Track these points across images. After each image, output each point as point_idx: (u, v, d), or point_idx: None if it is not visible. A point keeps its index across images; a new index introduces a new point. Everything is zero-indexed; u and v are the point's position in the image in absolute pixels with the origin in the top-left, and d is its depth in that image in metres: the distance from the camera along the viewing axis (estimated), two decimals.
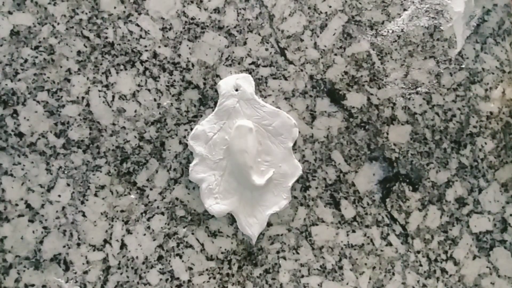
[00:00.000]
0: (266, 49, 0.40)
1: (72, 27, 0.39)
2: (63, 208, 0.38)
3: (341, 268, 0.40)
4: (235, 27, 0.40)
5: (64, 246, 0.38)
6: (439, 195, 0.41)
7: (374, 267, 0.40)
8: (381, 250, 0.40)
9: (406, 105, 0.41)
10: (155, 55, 0.39)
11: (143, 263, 0.38)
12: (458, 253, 0.41)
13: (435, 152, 0.41)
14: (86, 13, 0.39)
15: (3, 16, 0.38)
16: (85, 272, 0.38)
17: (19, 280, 0.37)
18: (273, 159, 0.39)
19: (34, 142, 0.38)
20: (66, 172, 0.38)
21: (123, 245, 0.38)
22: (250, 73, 0.40)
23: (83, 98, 0.38)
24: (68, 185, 0.38)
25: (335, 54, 0.41)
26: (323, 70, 0.41)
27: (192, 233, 0.39)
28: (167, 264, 0.38)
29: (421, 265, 0.40)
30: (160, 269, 0.38)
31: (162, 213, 0.39)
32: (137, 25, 0.39)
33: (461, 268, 0.41)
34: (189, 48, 0.40)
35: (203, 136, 0.38)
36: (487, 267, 0.41)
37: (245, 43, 0.40)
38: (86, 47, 0.39)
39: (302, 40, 0.41)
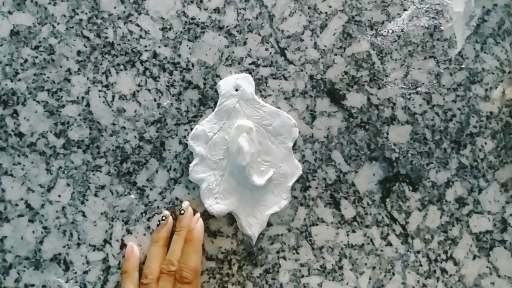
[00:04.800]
0: (266, 49, 0.40)
1: (72, 27, 0.39)
2: (63, 208, 0.38)
3: (341, 268, 0.40)
4: (235, 27, 0.40)
5: (64, 246, 0.38)
6: (439, 195, 0.41)
7: (374, 267, 0.40)
8: (381, 250, 0.40)
9: (406, 105, 0.41)
10: (155, 55, 0.39)
11: (143, 263, 0.38)
12: (458, 253, 0.41)
13: (435, 152, 0.41)
14: (86, 13, 0.39)
15: (3, 16, 0.38)
16: (85, 272, 0.38)
17: (19, 280, 0.37)
18: (273, 159, 0.39)
19: (34, 142, 0.38)
20: (66, 172, 0.38)
21: (123, 245, 0.38)
22: (250, 73, 0.40)
23: (83, 98, 0.38)
24: (68, 185, 0.38)
25: (335, 54, 0.41)
26: (323, 70, 0.41)
27: None
28: None
29: (421, 265, 0.40)
30: None
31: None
32: (137, 25, 0.39)
33: (461, 268, 0.41)
34: (189, 48, 0.40)
35: (203, 136, 0.38)
36: (487, 267, 0.41)
37: (245, 43, 0.40)
38: (86, 47, 0.39)
39: (302, 40, 0.41)
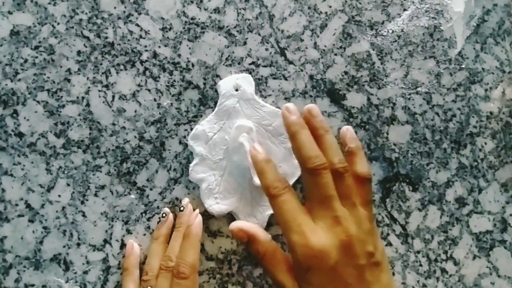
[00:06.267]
0: (266, 49, 0.40)
1: (72, 27, 0.39)
2: (63, 208, 0.38)
3: None
4: (235, 27, 0.40)
5: (64, 246, 0.38)
6: (439, 195, 0.41)
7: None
8: None
9: (406, 105, 0.41)
10: (155, 55, 0.39)
11: (143, 263, 0.38)
12: (458, 253, 0.41)
13: (435, 152, 0.41)
14: (86, 13, 0.39)
15: (3, 16, 0.38)
16: (85, 272, 0.38)
17: (19, 280, 0.37)
18: (273, 159, 0.39)
19: (34, 142, 0.38)
20: (66, 172, 0.38)
21: (123, 245, 0.38)
22: (250, 73, 0.40)
23: (83, 98, 0.38)
24: (68, 185, 0.38)
25: (335, 54, 0.41)
26: (323, 70, 0.41)
27: None
28: None
29: (421, 265, 0.40)
30: None
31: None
32: (137, 25, 0.39)
33: (461, 268, 0.41)
34: (189, 48, 0.40)
35: (203, 136, 0.38)
36: (487, 267, 0.41)
37: (245, 43, 0.40)
38: (86, 47, 0.39)
39: (302, 40, 0.41)
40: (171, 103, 0.39)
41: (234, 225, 0.35)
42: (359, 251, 0.32)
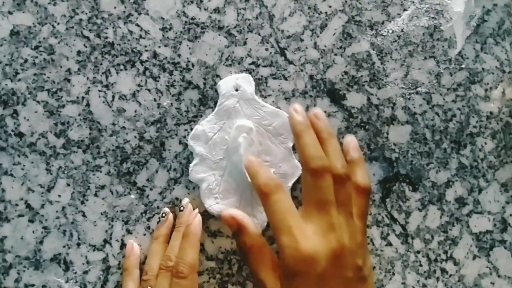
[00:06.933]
0: (266, 49, 0.40)
1: (72, 27, 0.39)
2: (63, 208, 0.38)
3: None
4: (235, 27, 0.40)
5: (64, 246, 0.38)
6: (439, 195, 0.41)
7: (374, 267, 0.40)
8: (381, 250, 0.40)
9: (406, 105, 0.41)
10: (155, 55, 0.39)
11: (143, 263, 0.38)
12: (458, 253, 0.41)
13: (435, 152, 0.41)
14: (86, 13, 0.39)
15: (3, 16, 0.38)
16: (85, 272, 0.38)
17: (19, 280, 0.37)
18: (273, 159, 0.39)
19: (34, 142, 0.38)
20: (66, 172, 0.38)
21: (123, 245, 0.38)
22: (250, 73, 0.40)
23: (83, 98, 0.38)
24: (68, 185, 0.38)
25: (335, 54, 0.41)
26: (323, 70, 0.41)
27: None
28: None
29: (421, 265, 0.40)
30: None
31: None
32: (137, 25, 0.39)
33: (461, 268, 0.41)
34: (189, 48, 0.40)
35: (203, 136, 0.38)
36: (487, 267, 0.41)
37: (245, 43, 0.40)
38: (86, 47, 0.39)
39: (302, 40, 0.41)
40: (171, 103, 0.39)
41: (227, 211, 0.35)
42: (348, 263, 0.32)
